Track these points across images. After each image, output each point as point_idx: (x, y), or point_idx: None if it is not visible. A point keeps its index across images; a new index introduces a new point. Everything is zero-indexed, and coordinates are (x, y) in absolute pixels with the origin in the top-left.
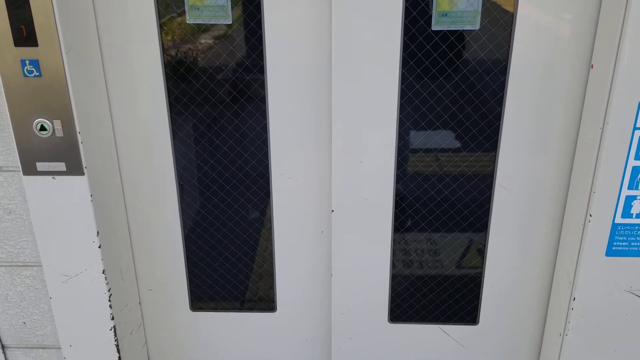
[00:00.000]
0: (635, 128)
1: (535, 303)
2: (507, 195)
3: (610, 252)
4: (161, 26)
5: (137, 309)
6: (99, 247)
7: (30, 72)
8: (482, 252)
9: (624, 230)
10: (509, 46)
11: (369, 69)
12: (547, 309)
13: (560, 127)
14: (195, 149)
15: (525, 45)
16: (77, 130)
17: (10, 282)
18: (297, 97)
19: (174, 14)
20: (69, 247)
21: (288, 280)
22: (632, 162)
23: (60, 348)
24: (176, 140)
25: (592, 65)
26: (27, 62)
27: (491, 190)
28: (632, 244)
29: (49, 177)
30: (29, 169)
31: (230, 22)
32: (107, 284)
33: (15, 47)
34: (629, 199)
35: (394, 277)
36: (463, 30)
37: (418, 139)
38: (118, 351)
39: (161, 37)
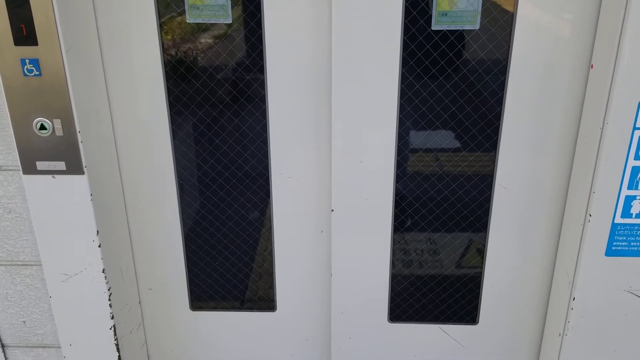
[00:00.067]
0: (635, 128)
1: (535, 303)
2: (507, 195)
3: (609, 252)
4: (161, 25)
5: (137, 308)
6: (99, 246)
7: (30, 71)
8: (481, 252)
9: (623, 230)
10: (509, 46)
11: (369, 69)
12: (546, 308)
13: (560, 127)
14: (195, 148)
15: (525, 45)
16: (77, 129)
17: (10, 281)
18: (297, 96)
19: (173, 14)
20: (69, 246)
21: (288, 279)
22: (632, 162)
23: (60, 347)
24: (176, 139)
25: (592, 65)
26: (27, 61)
27: (491, 189)
28: (632, 243)
29: (49, 176)
30: (28, 168)
31: (230, 22)
32: (107, 283)
33: (15, 46)
34: (629, 199)
35: (394, 277)
36: (463, 30)
37: (418, 138)
38: (118, 350)
39: (161, 36)
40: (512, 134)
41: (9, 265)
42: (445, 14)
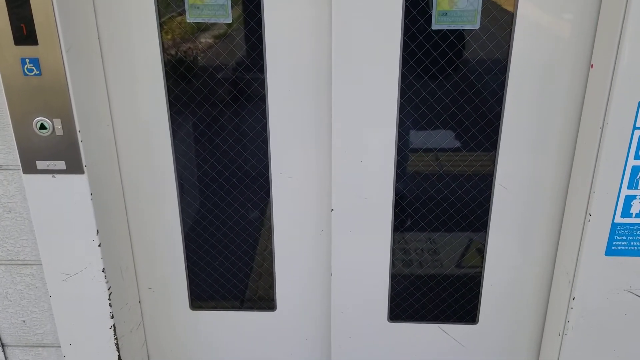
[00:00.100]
0: (635, 128)
1: (534, 302)
2: (507, 195)
3: (609, 252)
4: (161, 25)
5: (136, 307)
6: (99, 245)
7: (30, 70)
8: (481, 252)
9: (623, 229)
10: (509, 45)
11: (369, 69)
12: (546, 308)
13: (560, 127)
14: (195, 148)
15: (525, 44)
16: (77, 128)
17: (10, 280)
18: (297, 96)
19: (174, 13)
20: (69, 246)
21: (288, 279)
22: (632, 162)
23: (59, 346)
24: (176, 139)
25: (592, 65)
26: (27, 60)
27: (491, 189)
28: (632, 243)
29: (49, 176)
30: (28, 167)
31: (230, 21)
32: (106, 282)
33: (15, 46)
34: (629, 199)
35: (394, 276)
36: (463, 29)
37: (418, 138)
38: (118, 350)
39: (161, 36)
40: (512, 133)
41: (9, 264)
42: (445, 14)
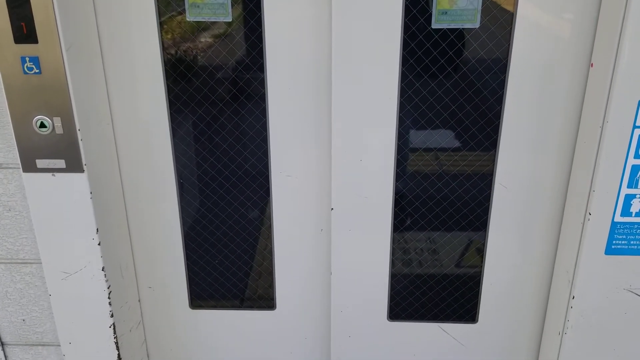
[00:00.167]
0: (635, 126)
1: (534, 301)
2: (507, 194)
3: (609, 251)
4: (161, 24)
5: (136, 306)
6: (99, 244)
7: (30, 69)
8: (481, 251)
9: (623, 228)
10: (509, 44)
11: (369, 68)
12: (546, 307)
13: (559, 126)
14: (195, 147)
15: (525, 44)
16: (77, 127)
17: (10, 279)
18: (297, 95)
19: (174, 12)
20: (69, 244)
21: (287, 278)
22: (632, 161)
23: (59, 345)
24: (176, 138)
25: (592, 64)
26: (27, 59)
27: (491, 188)
28: (632, 242)
29: (49, 174)
30: (28, 166)
31: (231, 20)
32: (106, 281)
33: (15, 44)
34: (629, 198)
35: (394, 276)
36: (463, 28)
37: (418, 137)
38: (117, 348)
39: (161, 35)
40: (512, 132)
41: (9, 263)
42: (445, 13)
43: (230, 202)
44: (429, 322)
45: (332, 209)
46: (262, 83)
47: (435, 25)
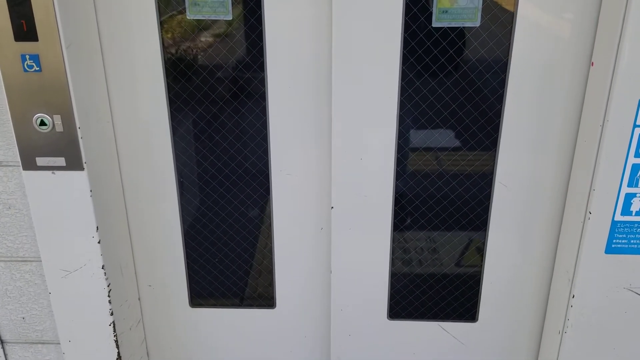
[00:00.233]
0: (635, 126)
1: (534, 301)
2: (507, 193)
3: (609, 250)
4: (161, 23)
5: (136, 304)
6: (99, 242)
7: (31, 67)
8: (481, 250)
9: (623, 227)
10: (510, 44)
11: (369, 67)
12: (546, 306)
13: (560, 125)
14: (195, 146)
15: (526, 44)
16: (77, 125)
17: (10, 277)
18: (297, 93)
19: (174, 11)
20: (69, 243)
21: (287, 277)
22: (632, 160)
23: (59, 343)
24: (176, 136)
25: (592, 63)
26: (28, 57)
27: (491, 188)
28: (632, 241)
29: (49, 172)
30: (28, 163)
31: (231, 18)
32: (106, 279)
33: (15, 42)
34: (629, 197)
35: (394, 275)
36: (463, 27)
37: (418, 136)
38: (117, 347)
39: (161, 33)
40: (513, 132)
41: (9, 261)
42: (445, 11)
43: (230, 200)
44: (429, 321)
45: (332, 207)
46: (262, 82)
47: (435, 24)
